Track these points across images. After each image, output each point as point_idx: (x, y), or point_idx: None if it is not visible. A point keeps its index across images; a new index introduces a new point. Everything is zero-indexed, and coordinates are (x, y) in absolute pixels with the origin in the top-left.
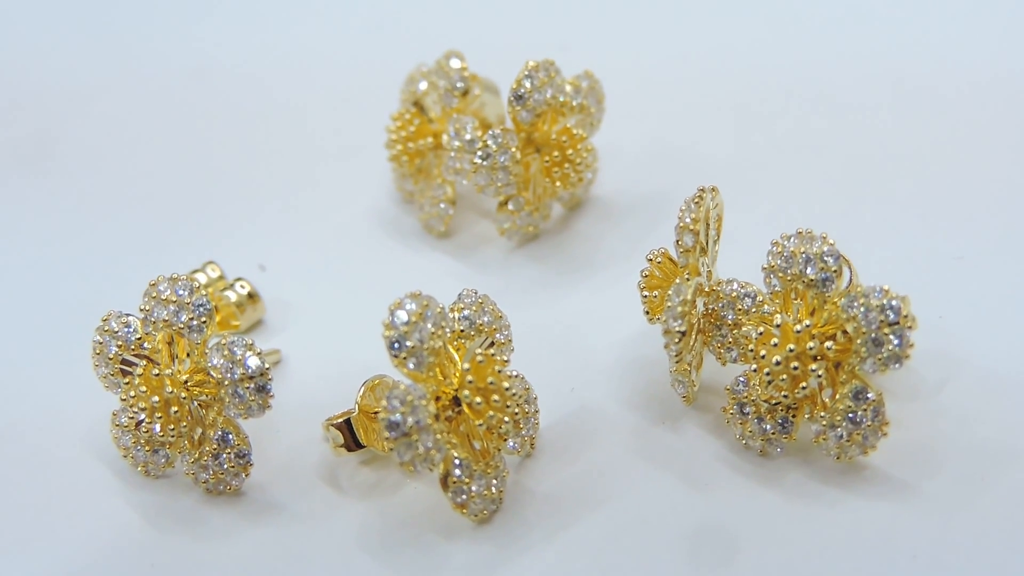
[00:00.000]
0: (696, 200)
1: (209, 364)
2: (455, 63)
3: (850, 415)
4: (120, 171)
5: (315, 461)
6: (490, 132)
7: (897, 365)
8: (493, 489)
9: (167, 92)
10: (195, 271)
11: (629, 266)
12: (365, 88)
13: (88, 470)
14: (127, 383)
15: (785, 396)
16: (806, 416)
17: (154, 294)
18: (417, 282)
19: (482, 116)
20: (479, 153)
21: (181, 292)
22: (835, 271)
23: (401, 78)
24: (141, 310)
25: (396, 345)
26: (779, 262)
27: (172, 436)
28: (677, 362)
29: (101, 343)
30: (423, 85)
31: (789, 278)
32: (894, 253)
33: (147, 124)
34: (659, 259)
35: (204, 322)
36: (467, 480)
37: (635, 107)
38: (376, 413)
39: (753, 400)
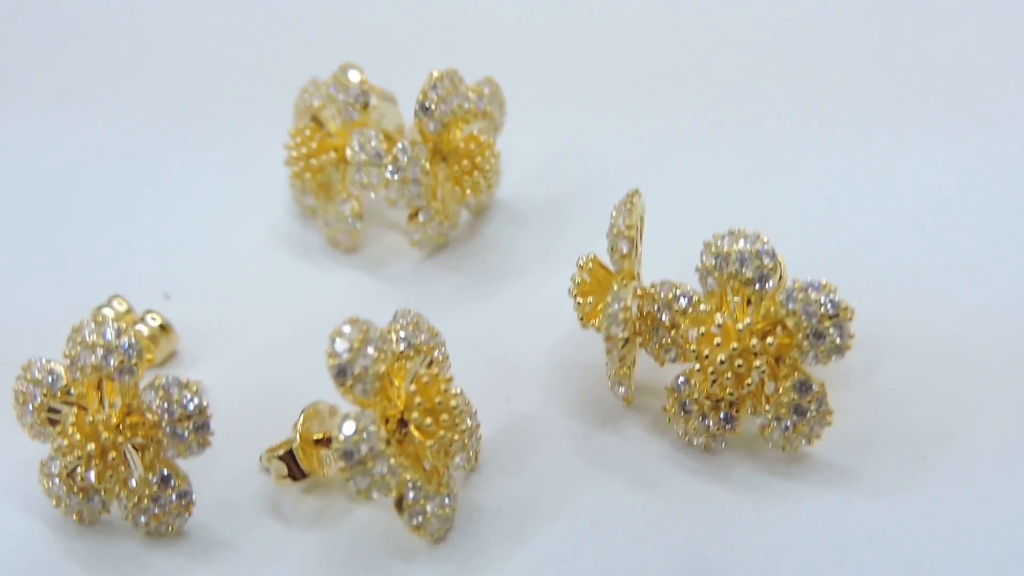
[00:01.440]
0: (628, 205)
1: (145, 406)
2: (354, 76)
3: (795, 407)
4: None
5: (254, 493)
6: (399, 145)
7: (838, 357)
8: (447, 508)
9: (35, 115)
10: (100, 306)
11: (545, 271)
12: (246, 101)
13: (15, 522)
14: (59, 431)
15: (730, 393)
16: (748, 410)
17: (78, 339)
18: (329, 300)
19: (381, 127)
20: (389, 167)
21: (108, 336)
22: (771, 268)
23: (263, 93)
24: (65, 356)
25: (341, 373)
26: (713, 261)
27: (110, 482)
28: (619, 366)
29: (24, 392)
30: (317, 99)
31: (725, 277)
32: (804, 240)
33: (20, 150)
34: (589, 264)
35: (135, 364)
36: (422, 501)
37: (524, 109)
38: (318, 441)
39: (695, 398)
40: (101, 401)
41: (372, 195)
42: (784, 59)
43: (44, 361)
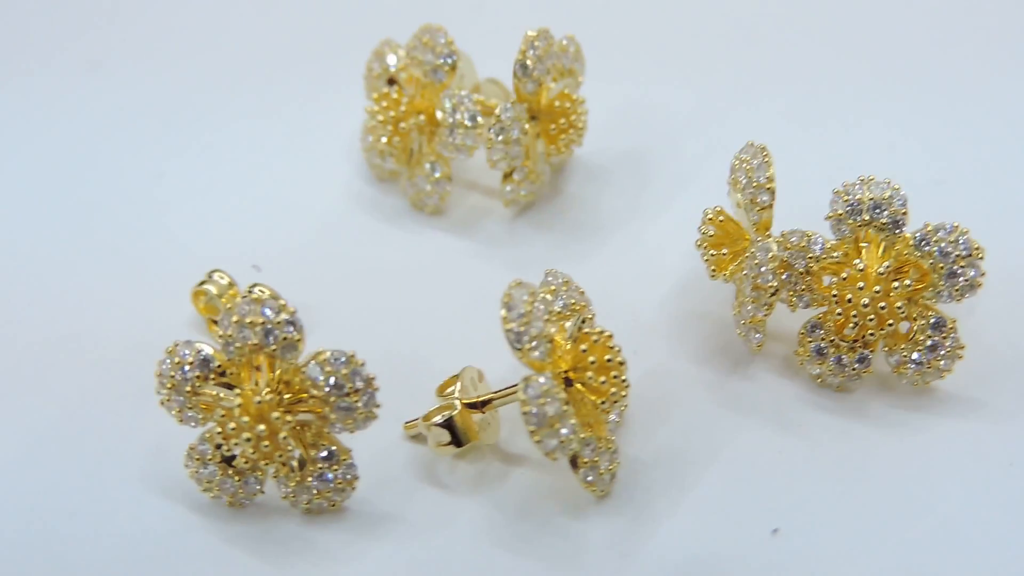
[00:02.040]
0: (764, 157)
1: (310, 382)
2: (441, 37)
3: (930, 343)
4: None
5: (404, 463)
6: (502, 106)
7: (971, 294)
8: (616, 463)
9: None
10: (202, 283)
11: (637, 224)
12: (296, 66)
13: (162, 513)
14: (223, 415)
15: (871, 335)
16: (881, 349)
17: (235, 319)
18: (427, 263)
19: (460, 87)
20: (492, 129)
21: (268, 313)
22: (905, 213)
23: (311, 57)
24: (221, 336)
25: (519, 337)
26: (846, 209)
27: (280, 462)
28: (766, 315)
29: (173, 377)
30: (393, 60)
31: (859, 224)
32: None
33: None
34: (719, 217)
35: (298, 340)
36: (596, 458)
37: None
38: (471, 405)
39: (832, 340)
40: (256, 381)
41: (465, 156)
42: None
43: (191, 343)
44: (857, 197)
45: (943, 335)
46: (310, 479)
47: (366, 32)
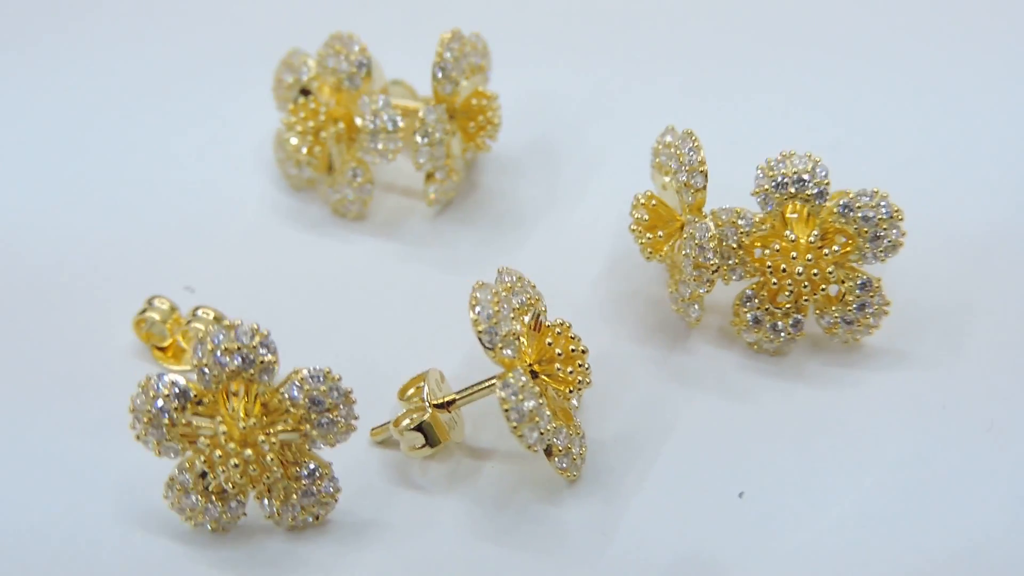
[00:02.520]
0: (695, 142)
1: (289, 402)
2: (354, 44)
3: (858, 303)
4: None
5: (376, 469)
6: (424, 109)
7: (893, 253)
8: (584, 448)
9: None
10: (143, 310)
11: (557, 213)
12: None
13: (145, 544)
14: (209, 444)
15: (805, 300)
16: (814, 312)
17: (209, 347)
18: (360, 268)
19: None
20: (418, 132)
21: (243, 338)
22: (828, 184)
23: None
24: (195, 365)
25: (491, 338)
26: (772, 184)
27: (268, 482)
28: (707, 291)
29: (150, 411)
30: (305, 72)
31: (785, 197)
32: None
33: None
34: (652, 201)
35: (274, 362)
36: (569, 445)
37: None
38: (439, 406)
39: (767, 308)
40: (234, 406)
41: (388, 161)
42: None
43: (163, 376)
44: (781, 172)
45: (870, 294)
46: (294, 496)
47: (258, 43)
